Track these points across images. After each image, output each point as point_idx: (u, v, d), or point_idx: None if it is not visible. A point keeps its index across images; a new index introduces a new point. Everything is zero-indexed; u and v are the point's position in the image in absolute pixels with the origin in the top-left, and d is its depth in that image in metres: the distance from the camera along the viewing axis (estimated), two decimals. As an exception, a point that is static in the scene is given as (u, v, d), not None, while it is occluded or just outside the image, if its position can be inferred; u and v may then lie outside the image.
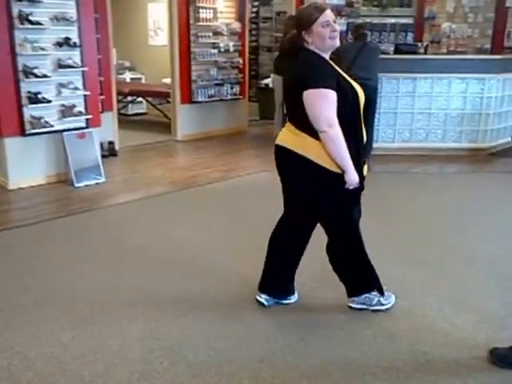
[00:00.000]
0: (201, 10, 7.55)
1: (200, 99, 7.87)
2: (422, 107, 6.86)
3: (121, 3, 9.76)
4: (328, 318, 3.17)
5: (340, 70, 2.82)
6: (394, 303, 3.25)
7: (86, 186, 5.59)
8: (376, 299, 3.21)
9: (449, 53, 8.65)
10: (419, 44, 8.32)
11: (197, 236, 4.35)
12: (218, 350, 2.83)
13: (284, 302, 3.29)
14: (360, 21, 7.66)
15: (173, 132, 7.93)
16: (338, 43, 2.79)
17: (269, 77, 9.17)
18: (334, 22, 2.75)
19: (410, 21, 9.71)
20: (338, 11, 9.43)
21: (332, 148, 2.72)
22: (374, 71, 6.42)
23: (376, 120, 6.81)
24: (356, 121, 2.82)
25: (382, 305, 3.22)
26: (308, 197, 2.95)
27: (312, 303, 3.32)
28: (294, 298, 3.32)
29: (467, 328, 3.05)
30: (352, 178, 2.78)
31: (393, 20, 9.47)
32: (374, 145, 6.69)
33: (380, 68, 6.50)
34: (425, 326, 3.07)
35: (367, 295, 3.21)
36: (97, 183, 5.69)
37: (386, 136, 6.82)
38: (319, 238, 3.13)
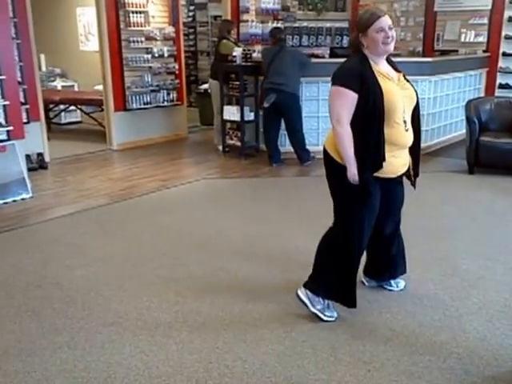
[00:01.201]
0: (131, 15, 7.34)
1: (135, 106, 7.65)
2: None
3: (48, 7, 9.43)
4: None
5: (382, 75, 2.91)
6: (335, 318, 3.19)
7: (10, 202, 5.28)
8: (321, 306, 3.19)
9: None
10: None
11: (128, 253, 4.16)
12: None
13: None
14: (279, 25, 7.67)
15: (108, 141, 7.67)
16: (390, 49, 2.90)
17: (207, 82, 9.05)
18: (390, 28, 2.86)
19: (345, 24, 9.80)
20: (273, 15, 9.41)
21: (337, 142, 2.93)
22: (290, 77, 6.32)
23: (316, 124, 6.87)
24: (373, 126, 2.87)
25: (324, 315, 3.18)
26: (328, 182, 3.13)
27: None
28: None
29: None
30: (350, 174, 2.90)
31: (328, 24, 9.53)
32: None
33: (316, 72, 6.46)
34: (364, 335, 3.01)
35: (319, 298, 3.18)
36: (23, 199, 5.38)
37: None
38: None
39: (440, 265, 3.90)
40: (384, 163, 2.92)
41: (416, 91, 3.06)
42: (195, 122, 9.37)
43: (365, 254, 3.33)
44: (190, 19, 11.30)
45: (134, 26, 7.43)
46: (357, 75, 2.87)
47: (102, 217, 4.97)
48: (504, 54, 8.27)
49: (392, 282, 3.53)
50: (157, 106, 7.97)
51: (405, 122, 2.95)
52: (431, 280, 3.67)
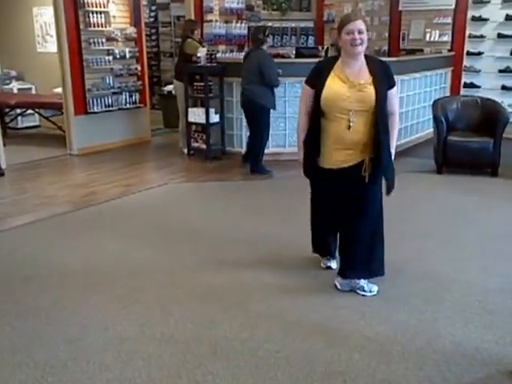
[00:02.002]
0: (91, 15, 7.11)
1: (96, 109, 7.41)
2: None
3: (2, 7, 9.10)
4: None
5: (337, 75, 3.19)
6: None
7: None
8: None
9: (349, 55, 8.70)
10: (320, 47, 8.32)
11: (91, 263, 3.97)
12: None
13: None
14: (260, 24, 7.25)
15: (68, 146, 7.39)
16: (358, 51, 3.13)
17: (171, 83, 8.85)
18: (360, 32, 3.09)
19: (310, 24, 9.76)
20: (237, 15, 9.30)
21: None
22: (254, 83, 5.95)
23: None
24: (314, 118, 3.28)
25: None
26: None
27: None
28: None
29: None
30: (298, 158, 3.46)
31: (293, 24, 9.46)
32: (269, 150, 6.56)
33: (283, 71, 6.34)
34: (339, 344, 2.91)
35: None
36: (-24, 208, 5.11)
37: (292, 140, 6.69)
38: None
39: (412, 267, 3.83)
40: (323, 154, 3.29)
41: (379, 96, 3.15)
42: (158, 125, 9.15)
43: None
44: (151, 19, 11.06)
45: (94, 27, 7.19)
46: (316, 73, 3.29)
47: (63, 225, 4.75)
48: (468, 53, 8.33)
49: (365, 286, 3.45)
50: (119, 109, 7.74)
51: (349, 120, 3.14)
52: (404, 283, 3.59)
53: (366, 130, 3.19)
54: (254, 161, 6.34)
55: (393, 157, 3.36)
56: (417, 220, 4.76)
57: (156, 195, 5.62)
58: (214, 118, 6.86)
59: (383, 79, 3.21)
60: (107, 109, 7.57)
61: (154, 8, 11.11)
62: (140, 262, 3.96)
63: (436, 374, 2.66)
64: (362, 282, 3.45)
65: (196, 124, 7.00)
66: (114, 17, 7.52)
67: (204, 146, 6.95)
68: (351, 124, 3.15)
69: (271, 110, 6.15)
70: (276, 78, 5.99)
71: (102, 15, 7.30)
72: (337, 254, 3.66)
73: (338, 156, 3.25)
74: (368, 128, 3.19)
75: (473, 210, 5.02)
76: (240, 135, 6.98)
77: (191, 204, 5.32)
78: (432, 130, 7.72)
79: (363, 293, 3.44)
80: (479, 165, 6.14)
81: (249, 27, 9.31)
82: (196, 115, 6.88)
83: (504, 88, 8.07)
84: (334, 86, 3.17)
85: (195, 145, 7.09)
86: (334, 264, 3.77)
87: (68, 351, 2.85)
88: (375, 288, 3.47)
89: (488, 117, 6.12)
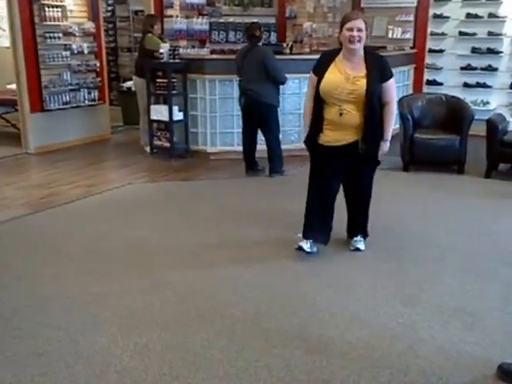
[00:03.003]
0: (47, 9, 6.80)
1: (53, 107, 7.11)
2: (292, 108, 6.72)
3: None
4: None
5: (337, 67, 3.58)
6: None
7: None
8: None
9: (312, 52, 8.63)
10: (284, 44, 8.23)
11: (55, 269, 3.77)
12: None
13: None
14: (255, 20, 6.75)
15: (24, 144, 7.07)
16: (355, 47, 3.49)
17: (130, 79, 8.60)
18: (359, 30, 3.46)
19: (272, 20, 9.64)
20: (198, 10, 9.13)
21: None
22: (259, 82, 5.59)
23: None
24: (319, 103, 3.66)
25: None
26: None
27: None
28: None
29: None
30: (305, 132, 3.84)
31: (255, 19, 9.30)
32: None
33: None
34: (321, 351, 2.81)
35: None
36: None
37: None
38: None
39: (388, 268, 3.78)
40: (321, 133, 3.68)
41: (369, 89, 3.51)
42: (118, 122, 8.89)
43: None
44: (109, 14, 10.75)
45: (50, 21, 6.89)
46: (320, 63, 3.68)
47: (21, 229, 4.51)
48: (430, 51, 8.41)
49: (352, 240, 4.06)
50: (77, 106, 7.46)
51: (341, 108, 3.53)
52: (380, 285, 3.53)
53: (357, 116, 3.57)
54: (280, 162, 6.01)
55: (389, 140, 3.73)
56: (387, 219, 4.70)
57: (120, 195, 5.41)
58: (178, 115, 6.68)
59: (377, 73, 3.54)
60: (65, 106, 7.27)
61: (110, 2, 10.81)
62: (108, 266, 3.78)
63: (421, 379, 2.60)
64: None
65: (159, 122, 6.80)
66: (71, 11, 7.24)
67: (167, 145, 6.76)
68: (343, 111, 3.55)
69: None
70: (283, 74, 5.75)
71: (59, 9, 7.01)
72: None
73: (333, 135, 3.66)
74: (359, 114, 3.57)
75: (442, 208, 5.01)
76: (204, 133, 6.82)
77: (156, 204, 5.14)
78: (397, 127, 7.79)
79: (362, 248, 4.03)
80: (446, 162, 6.17)
81: (210, 23, 9.17)
82: (159, 113, 6.69)
83: (466, 85, 8.18)
84: (331, 76, 3.58)
85: (158, 143, 6.89)
86: (306, 246, 3.92)
87: (35, 366, 2.67)
88: (360, 245, 4.06)
89: (453, 114, 6.15)
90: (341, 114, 3.56)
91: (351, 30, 3.46)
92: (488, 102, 8.05)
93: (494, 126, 5.72)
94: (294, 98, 6.74)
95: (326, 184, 3.82)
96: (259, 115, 5.78)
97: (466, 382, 2.60)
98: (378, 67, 3.56)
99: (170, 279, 3.60)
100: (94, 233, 4.41)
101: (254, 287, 3.49)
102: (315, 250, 3.93)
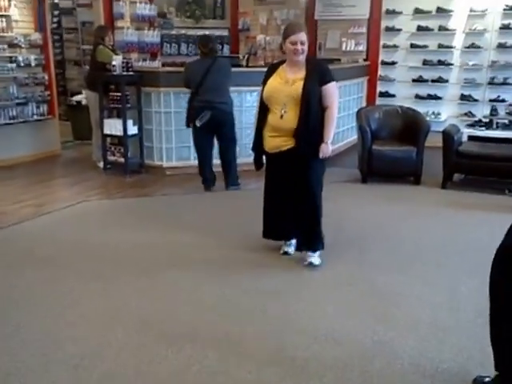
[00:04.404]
0: (-10, 19, 6.51)
1: (-1, 122, 6.79)
2: (250, 121, 6.60)
3: None
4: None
5: (278, 75, 3.77)
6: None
7: None
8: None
9: (266, 65, 8.59)
10: (240, 56, 8.17)
11: (6, 295, 3.51)
12: None
13: None
14: (207, 32, 6.58)
15: (-34, 162, 6.72)
16: (299, 59, 3.67)
17: (79, 93, 8.34)
18: (302, 43, 3.61)
19: (225, 33, 9.60)
20: (149, 22, 8.95)
21: None
22: (224, 93, 5.62)
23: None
24: (264, 110, 3.82)
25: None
26: None
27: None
28: None
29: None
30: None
31: (208, 32, 9.23)
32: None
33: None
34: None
35: None
36: None
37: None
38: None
39: (357, 283, 3.71)
40: (265, 140, 3.83)
41: (305, 89, 3.62)
42: (68, 137, 8.58)
43: None
44: (54, 25, 10.41)
45: (-6, 32, 6.60)
46: (267, 73, 3.86)
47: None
48: (383, 63, 8.52)
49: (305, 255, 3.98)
50: (25, 121, 7.16)
51: (282, 110, 3.66)
52: (352, 301, 3.46)
53: (296, 120, 3.66)
54: (236, 175, 5.93)
55: (329, 142, 3.75)
56: (351, 233, 4.66)
57: (73, 214, 5.16)
58: (132, 129, 6.48)
59: (316, 76, 3.68)
60: (12, 121, 6.95)
61: (56, 13, 10.49)
62: (64, 289, 3.55)
63: (402, 399, 2.52)
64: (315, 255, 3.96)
65: (112, 136, 6.59)
66: (16, 21, 6.95)
67: (122, 160, 6.55)
68: (283, 114, 3.67)
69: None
70: None
71: (3, 19, 6.73)
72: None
73: (274, 142, 3.79)
74: (298, 118, 3.66)
75: (403, 220, 5.01)
76: (160, 148, 6.64)
77: (112, 222, 4.93)
78: (352, 139, 7.83)
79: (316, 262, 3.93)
80: (403, 173, 6.21)
81: (162, 35, 9.02)
82: (112, 127, 6.47)
83: (417, 97, 8.32)
84: (273, 81, 3.77)
85: (112, 158, 6.67)
86: (290, 249, 4.12)
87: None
88: (315, 260, 3.94)
89: (410, 126, 6.21)
90: (281, 117, 3.68)
91: (295, 43, 3.60)
92: (439, 114, 8.21)
93: (450, 137, 5.81)
94: (251, 110, 6.62)
95: (275, 188, 3.97)
96: (224, 126, 5.67)
97: (447, 402, 2.54)
98: (317, 71, 3.71)
99: (127, 302, 3.41)
100: (45, 257, 4.15)
101: (220, 309, 3.35)
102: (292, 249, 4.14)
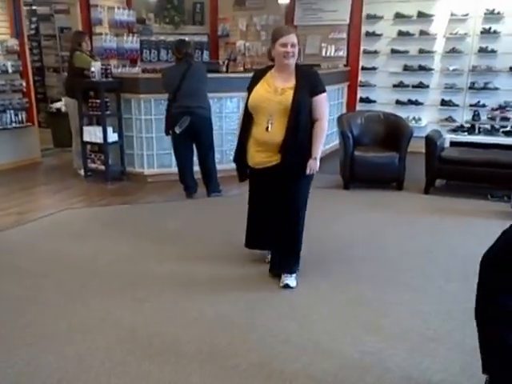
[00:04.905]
0: (-35, 25, 6.38)
1: (-25, 130, 6.65)
2: (230, 127, 6.58)
3: None
4: None
5: (266, 82, 3.54)
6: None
7: None
8: None
9: (246, 70, 8.56)
10: (220, 62, 8.12)
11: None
12: None
13: None
14: (185, 38, 6.46)
15: None
16: (289, 63, 3.45)
17: (58, 100, 8.21)
18: (293, 45, 3.41)
19: (204, 38, 9.55)
20: (128, 28, 8.88)
21: None
22: (203, 98, 5.56)
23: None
24: (248, 120, 3.61)
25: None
26: None
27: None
28: None
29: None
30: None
31: (187, 38, 9.14)
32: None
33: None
34: None
35: None
36: None
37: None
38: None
39: (344, 293, 3.67)
40: (247, 154, 3.64)
41: (295, 100, 3.42)
42: (48, 145, 8.46)
43: None
44: (32, 32, 10.26)
45: (-31, 38, 6.46)
46: (252, 80, 3.62)
47: None
48: (363, 68, 8.53)
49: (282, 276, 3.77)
50: (3, 129, 7.05)
51: (268, 121, 3.46)
52: (340, 311, 3.42)
53: (283, 133, 3.45)
54: (217, 181, 5.90)
55: (317, 158, 3.54)
56: (332, 241, 4.62)
57: (55, 223, 5.08)
58: (112, 136, 6.40)
59: (306, 86, 3.47)
60: (-11, 129, 6.82)
61: (34, 19, 10.34)
62: (49, 305, 3.46)
63: (394, 413, 2.49)
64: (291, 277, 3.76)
65: (92, 143, 6.49)
66: (-9, 27, 6.83)
67: (102, 167, 6.46)
68: (269, 126, 3.46)
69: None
70: None
71: (-22, 25, 6.60)
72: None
73: (259, 158, 3.60)
74: (285, 131, 3.45)
75: (386, 227, 4.98)
76: (141, 155, 6.56)
77: (95, 231, 4.85)
78: (333, 144, 7.82)
79: (292, 284, 3.72)
80: (385, 179, 6.21)
81: (141, 41, 8.94)
82: (92, 134, 6.38)
83: (398, 102, 8.34)
84: (260, 89, 3.54)
85: (92, 166, 6.58)
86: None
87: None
88: (289, 281, 3.73)
89: (392, 131, 6.21)
90: (267, 129, 3.47)
91: (285, 45, 3.40)
92: (420, 119, 8.23)
93: (432, 143, 5.82)
94: (232, 117, 6.62)
95: (259, 202, 3.83)
96: (202, 133, 5.60)
97: (439, 413, 2.51)
98: (308, 80, 3.49)
99: (111, 315, 3.34)
100: (27, 268, 4.05)
101: (205, 321, 3.29)
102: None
